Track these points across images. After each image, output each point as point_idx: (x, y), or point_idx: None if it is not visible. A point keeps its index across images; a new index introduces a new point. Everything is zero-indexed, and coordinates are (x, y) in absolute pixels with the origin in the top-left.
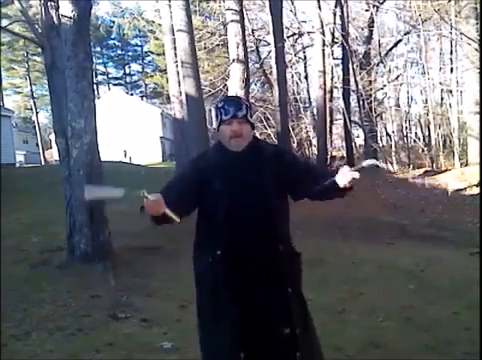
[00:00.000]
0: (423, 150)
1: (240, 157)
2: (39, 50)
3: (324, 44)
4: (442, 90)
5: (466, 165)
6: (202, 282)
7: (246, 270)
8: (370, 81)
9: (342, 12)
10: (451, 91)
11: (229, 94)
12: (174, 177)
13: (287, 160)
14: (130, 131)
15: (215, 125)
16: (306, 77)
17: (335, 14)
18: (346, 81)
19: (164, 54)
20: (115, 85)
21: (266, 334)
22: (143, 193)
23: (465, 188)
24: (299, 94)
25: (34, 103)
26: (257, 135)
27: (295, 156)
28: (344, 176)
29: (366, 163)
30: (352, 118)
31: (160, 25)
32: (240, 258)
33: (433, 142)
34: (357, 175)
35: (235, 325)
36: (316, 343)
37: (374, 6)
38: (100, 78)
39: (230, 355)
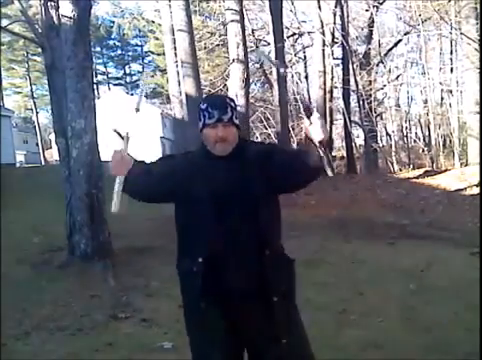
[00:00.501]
0: (423, 150)
1: (225, 162)
2: (39, 50)
3: (324, 44)
4: (442, 90)
5: (466, 165)
6: (185, 291)
7: (229, 283)
8: (370, 81)
9: (342, 12)
10: (451, 91)
11: (229, 94)
12: (153, 162)
13: (274, 157)
14: (130, 131)
15: (199, 126)
16: (306, 77)
17: (335, 14)
18: (346, 81)
19: (164, 54)
20: (115, 85)
21: (251, 348)
22: (116, 130)
23: (465, 188)
24: (299, 94)
25: (34, 103)
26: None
27: (282, 151)
28: (315, 128)
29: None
30: (352, 118)
31: (160, 25)
32: (222, 269)
33: (433, 142)
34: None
35: (221, 340)
36: (306, 354)
37: (374, 6)
38: (100, 78)
39: None
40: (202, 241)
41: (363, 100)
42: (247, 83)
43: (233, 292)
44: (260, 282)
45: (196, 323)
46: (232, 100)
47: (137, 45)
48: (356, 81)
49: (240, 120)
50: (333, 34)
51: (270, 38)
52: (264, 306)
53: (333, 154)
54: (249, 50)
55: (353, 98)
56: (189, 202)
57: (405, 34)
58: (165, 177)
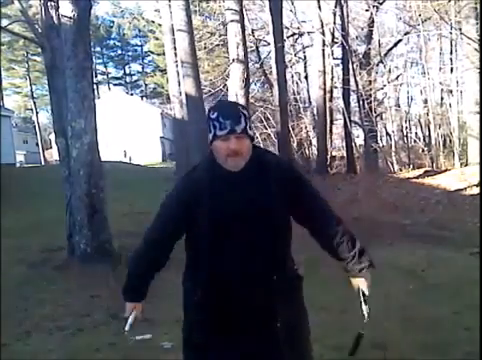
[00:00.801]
0: (423, 150)
1: (238, 177)
2: (39, 50)
3: (324, 44)
4: (442, 90)
5: (466, 165)
6: (186, 314)
7: (232, 317)
8: (370, 81)
9: (342, 12)
10: (451, 91)
11: (229, 94)
12: (158, 216)
13: (294, 181)
14: (130, 131)
15: (208, 138)
16: (306, 77)
17: (335, 14)
18: (346, 81)
19: (164, 54)
20: (115, 85)
21: None
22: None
23: (465, 188)
24: (299, 94)
25: (34, 103)
26: (257, 137)
27: (301, 178)
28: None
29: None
30: (352, 118)
31: (160, 25)
32: (225, 301)
33: (433, 142)
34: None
35: None
36: None
37: (374, 6)
38: (100, 78)
39: None
40: (204, 270)
41: (363, 100)
42: (247, 83)
43: (235, 326)
44: (266, 313)
45: (193, 353)
46: (245, 108)
47: (137, 45)
48: (356, 81)
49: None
50: (333, 34)
51: (270, 38)
52: (268, 336)
53: (333, 154)
54: (249, 50)
55: (353, 98)
56: (195, 226)
57: (405, 34)
58: (178, 230)
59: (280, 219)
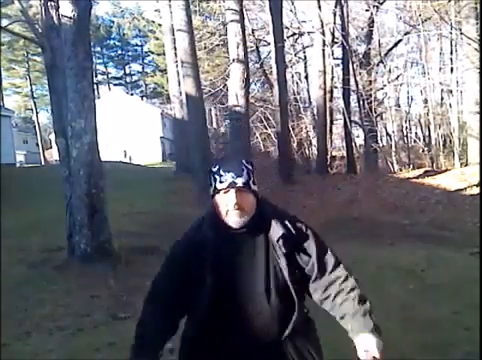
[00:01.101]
0: (423, 150)
1: (239, 236)
2: (39, 50)
3: (324, 44)
4: (442, 90)
5: (466, 165)
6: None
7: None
8: (370, 81)
9: (342, 12)
10: (451, 91)
11: (229, 94)
12: (160, 276)
13: (303, 244)
14: (130, 131)
15: (210, 192)
16: (306, 77)
17: (335, 14)
18: (346, 81)
19: (164, 54)
20: (115, 85)
21: None
22: None
23: (465, 188)
24: (299, 94)
25: (34, 103)
26: (257, 137)
27: (313, 240)
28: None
29: None
30: (352, 118)
31: (160, 25)
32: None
33: (433, 142)
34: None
35: None
36: None
37: (374, 6)
38: (100, 78)
39: None
40: (203, 333)
41: (363, 100)
42: (247, 83)
43: None
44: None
45: None
46: (250, 163)
47: (137, 45)
48: (356, 81)
49: (241, 121)
50: (333, 34)
51: (270, 38)
52: None
53: (333, 154)
54: (249, 50)
55: (353, 98)
56: (194, 285)
57: (405, 34)
58: (182, 294)
59: (290, 283)
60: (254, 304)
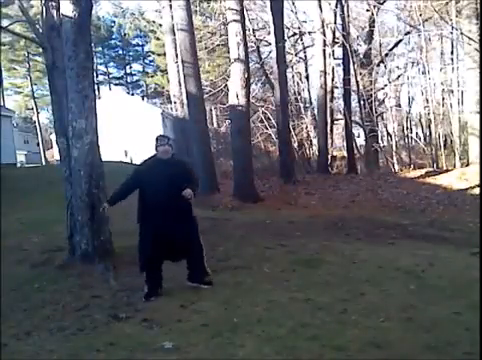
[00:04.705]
0: (424, 150)
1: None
2: (40, 50)
3: (325, 44)
4: (443, 90)
5: (467, 165)
6: (143, 220)
7: (162, 214)
8: (371, 81)
9: (343, 12)
10: (452, 91)
11: (230, 94)
12: (129, 178)
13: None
14: (131, 131)
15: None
16: (307, 77)
17: (336, 14)
18: (347, 81)
19: (165, 54)
20: (116, 85)
21: (170, 244)
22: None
23: (466, 188)
24: (300, 94)
25: (35, 103)
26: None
27: (189, 170)
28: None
29: None
30: (353, 118)
31: (161, 25)
32: (159, 210)
33: (434, 142)
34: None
35: (155, 239)
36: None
37: (375, 6)
38: (101, 78)
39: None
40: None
41: (364, 100)
42: (248, 83)
43: (163, 220)
44: (177, 215)
45: (144, 233)
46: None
47: (138, 45)
48: (357, 81)
49: (242, 121)
50: (334, 34)
51: (271, 38)
52: (179, 226)
53: (334, 154)
54: (250, 50)
55: (354, 98)
56: (141, 181)
57: (406, 34)
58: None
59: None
60: (163, 191)
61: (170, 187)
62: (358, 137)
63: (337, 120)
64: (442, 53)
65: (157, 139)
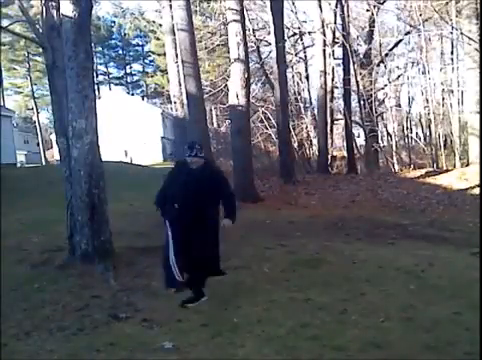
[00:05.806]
0: (424, 150)
1: (192, 169)
2: (40, 50)
3: (325, 44)
4: (443, 90)
5: (467, 165)
6: (170, 220)
7: (188, 215)
8: (371, 81)
9: (343, 12)
10: (452, 91)
11: (230, 94)
12: (166, 180)
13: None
14: (131, 131)
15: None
16: (307, 77)
17: (336, 14)
18: (347, 81)
19: (165, 54)
20: (116, 85)
21: (194, 248)
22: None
23: (466, 188)
24: (300, 94)
25: (35, 103)
26: (258, 137)
27: (221, 177)
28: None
29: None
30: (353, 118)
31: (161, 25)
32: (186, 210)
33: (434, 142)
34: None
35: (179, 241)
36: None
37: (375, 6)
38: (101, 78)
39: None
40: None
41: (364, 100)
42: (248, 83)
43: (189, 222)
44: (201, 220)
45: (170, 234)
46: (200, 144)
47: (138, 45)
48: (357, 81)
49: (242, 121)
50: (334, 34)
51: (271, 38)
52: (202, 230)
53: (334, 154)
54: (250, 50)
55: (354, 98)
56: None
57: (406, 34)
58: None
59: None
60: (189, 192)
61: (194, 198)
62: (358, 137)
63: (337, 120)
64: (442, 53)
65: (186, 148)
